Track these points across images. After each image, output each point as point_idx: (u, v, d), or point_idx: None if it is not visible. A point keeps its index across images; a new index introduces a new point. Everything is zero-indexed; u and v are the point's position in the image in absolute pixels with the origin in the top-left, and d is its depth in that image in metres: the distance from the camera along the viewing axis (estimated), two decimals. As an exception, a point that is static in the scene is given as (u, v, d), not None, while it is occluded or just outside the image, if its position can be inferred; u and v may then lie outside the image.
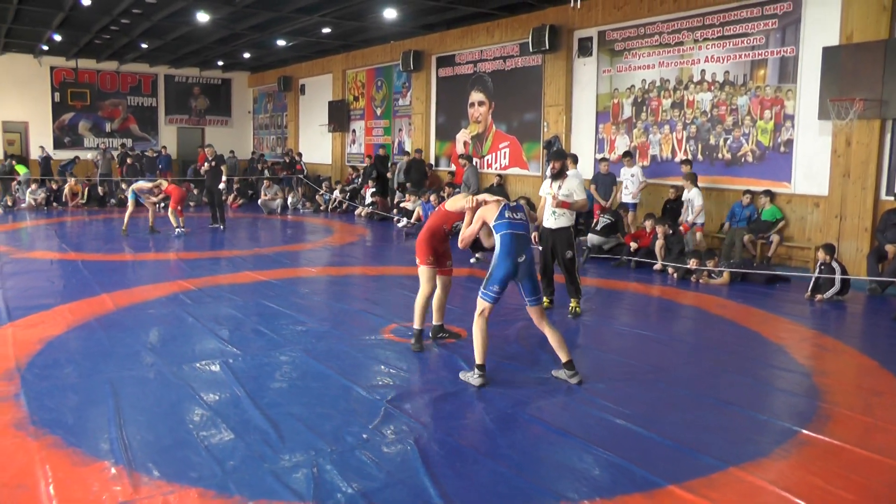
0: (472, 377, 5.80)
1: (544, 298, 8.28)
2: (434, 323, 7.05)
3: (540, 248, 8.33)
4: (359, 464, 4.25)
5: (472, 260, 11.72)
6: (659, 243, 11.33)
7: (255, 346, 6.74)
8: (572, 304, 8.29)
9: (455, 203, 6.54)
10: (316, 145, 25.41)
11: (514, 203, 6.08)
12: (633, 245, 11.79)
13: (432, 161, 19.67)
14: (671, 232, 11.39)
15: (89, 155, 24.46)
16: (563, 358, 5.85)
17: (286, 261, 11.81)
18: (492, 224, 5.88)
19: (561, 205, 7.97)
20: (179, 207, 14.87)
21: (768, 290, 9.93)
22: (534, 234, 8.29)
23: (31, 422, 4.84)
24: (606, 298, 9.45)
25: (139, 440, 4.55)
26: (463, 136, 18.82)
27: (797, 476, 4.25)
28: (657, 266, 11.16)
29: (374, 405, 5.27)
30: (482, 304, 5.84)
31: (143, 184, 15.11)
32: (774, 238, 11.72)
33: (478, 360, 5.83)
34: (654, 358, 6.67)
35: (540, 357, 6.54)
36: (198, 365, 6.11)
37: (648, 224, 11.81)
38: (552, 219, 8.12)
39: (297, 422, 4.87)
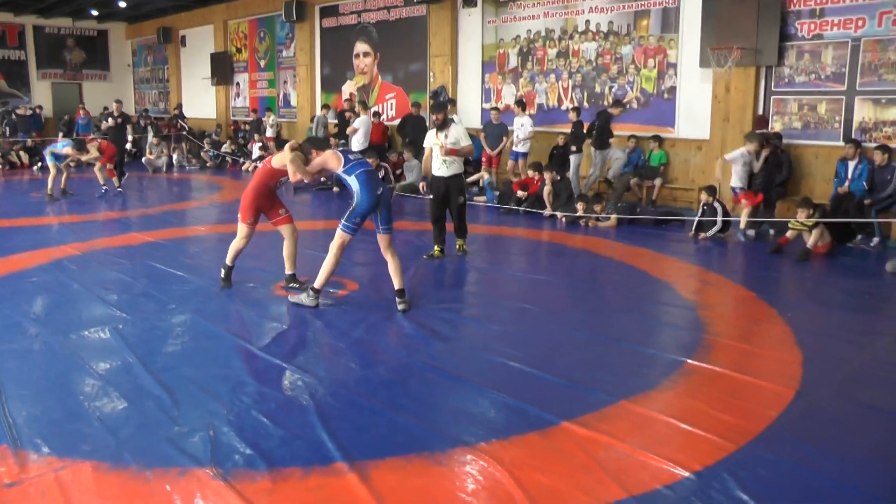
0: (307, 298, 6.43)
1: (435, 247, 8.55)
2: (286, 272, 7.17)
3: (430, 196, 8.60)
4: (255, 423, 4.21)
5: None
6: (547, 189, 11.50)
7: (145, 309, 6.55)
8: (459, 242, 8.66)
9: (281, 160, 6.71)
10: (200, 99, 24.56)
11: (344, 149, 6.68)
12: (521, 193, 11.95)
13: (317, 113, 19.30)
14: (559, 178, 11.58)
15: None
16: (397, 286, 6.49)
17: (174, 220, 11.46)
18: (341, 170, 6.32)
19: (449, 152, 8.23)
20: (110, 166, 14.22)
21: (654, 231, 10.27)
22: (422, 185, 8.57)
23: None
24: (497, 245, 9.58)
25: (25, 416, 4.35)
26: (349, 87, 18.55)
27: (683, 404, 4.48)
28: (546, 212, 11.35)
29: (267, 363, 5.22)
30: (344, 236, 6.33)
31: (67, 148, 13.85)
32: (657, 181, 12.11)
33: (318, 284, 6.43)
34: (545, 301, 6.83)
35: (434, 306, 6.59)
36: (86, 333, 5.89)
37: (533, 173, 11.93)
38: (444, 167, 8.36)
39: (192, 385, 4.78)
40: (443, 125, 8.29)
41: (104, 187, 14.15)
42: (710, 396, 4.55)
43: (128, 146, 15.37)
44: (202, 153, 20.19)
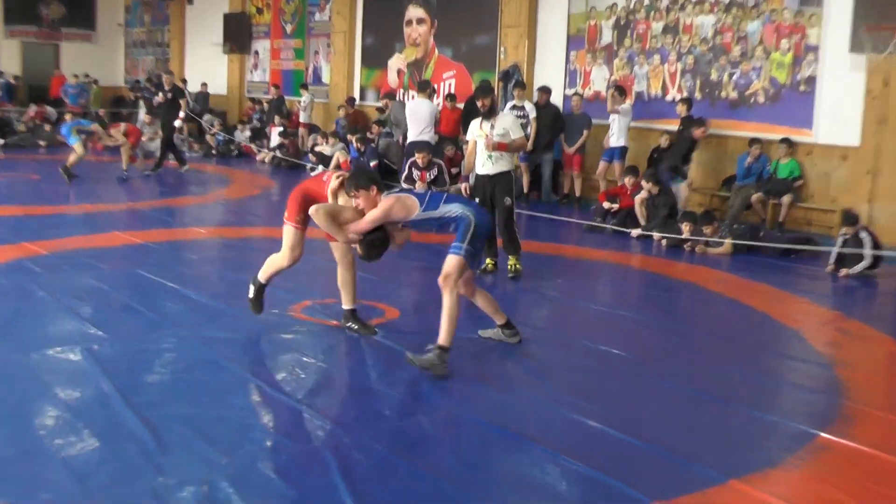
0: (439, 366, 5.69)
1: (487, 261, 8.77)
2: (343, 307, 6.73)
3: (477, 200, 8.67)
4: (262, 480, 4.24)
5: None
6: (639, 199, 11.44)
7: (128, 328, 6.65)
8: (511, 261, 8.74)
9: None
10: (208, 70, 24.99)
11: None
12: (609, 205, 11.90)
13: (356, 94, 19.51)
14: (658, 190, 11.44)
15: None
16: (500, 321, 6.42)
17: (168, 219, 11.69)
18: (419, 212, 5.84)
19: (497, 147, 8.40)
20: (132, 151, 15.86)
21: (781, 263, 10.13)
22: (464, 186, 8.97)
23: None
24: (575, 270, 9.54)
25: (-28, 451, 4.45)
26: (397, 62, 18.71)
27: (812, 489, 4.39)
28: (635, 232, 11.27)
29: (281, 404, 5.25)
30: (464, 263, 5.81)
31: (95, 125, 15.39)
32: (787, 199, 11.93)
33: (447, 341, 5.77)
34: (635, 345, 6.77)
35: (492, 344, 6.57)
36: (51, 352, 5.98)
37: (628, 180, 11.89)
38: (489, 163, 8.57)
39: (183, 426, 4.82)
40: (489, 113, 8.51)
41: (126, 172, 15.51)
42: (849, 482, 4.45)
43: (177, 123, 16.75)
44: (207, 137, 20.53)
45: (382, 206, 5.83)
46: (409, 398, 5.44)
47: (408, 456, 4.56)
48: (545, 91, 14.09)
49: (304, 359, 6.12)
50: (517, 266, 8.73)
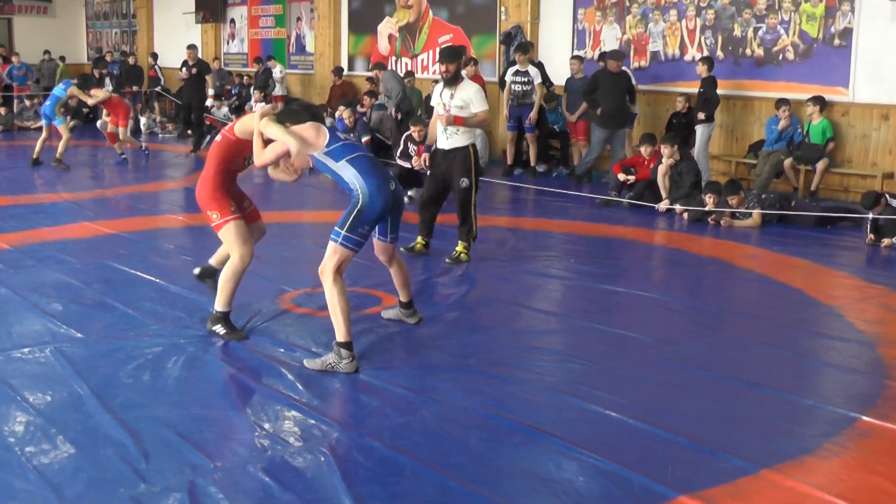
0: (341, 363, 5.75)
1: (418, 239, 8.80)
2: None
3: (429, 173, 8.87)
4: (254, 483, 4.27)
5: (407, 197, 11.71)
6: (662, 169, 11.44)
7: (101, 325, 6.68)
8: (459, 247, 8.62)
9: (246, 126, 6.19)
10: (179, 43, 24.91)
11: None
12: (625, 177, 11.92)
13: (344, 63, 19.49)
14: (680, 157, 11.43)
15: None
16: (404, 298, 6.64)
17: (141, 206, 11.72)
18: (321, 151, 5.88)
19: (454, 121, 8.33)
20: (122, 129, 15.71)
21: (815, 234, 10.15)
22: (424, 157, 9.01)
23: None
24: (589, 248, 9.55)
25: (-64, 462, 4.48)
26: (387, 27, 18.69)
27: (853, 477, 4.41)
28: (662, 205, 11.31)
29: (271, 400, 5.30)
30: (343, 253, 5.82)
31: (72, 88, 15.18)
32: (821, 164, 11.92)
33: (342, 336, 5.82)
34: (656, 327, 6.82)
35: (499, 331, 6.62)
36: (17, 354, 6.03)
37: (644, 149, 11.90)
38: (443, 137, 8.49)
39: (166, 428, 4.86)
40: (452, 80, 8.40)
41: (122, 154, 15.77)
42: (893, 468, 4.48)
43: (208, 102, 17.34)
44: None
45: (300, 127, 5.93)
46: (411, 392, 5.45)
47: (411, 454, 4.60)
48: (618, 57, 13.42)
49: (295, 353, 6.15)
50: (463, 255, 8.59)
